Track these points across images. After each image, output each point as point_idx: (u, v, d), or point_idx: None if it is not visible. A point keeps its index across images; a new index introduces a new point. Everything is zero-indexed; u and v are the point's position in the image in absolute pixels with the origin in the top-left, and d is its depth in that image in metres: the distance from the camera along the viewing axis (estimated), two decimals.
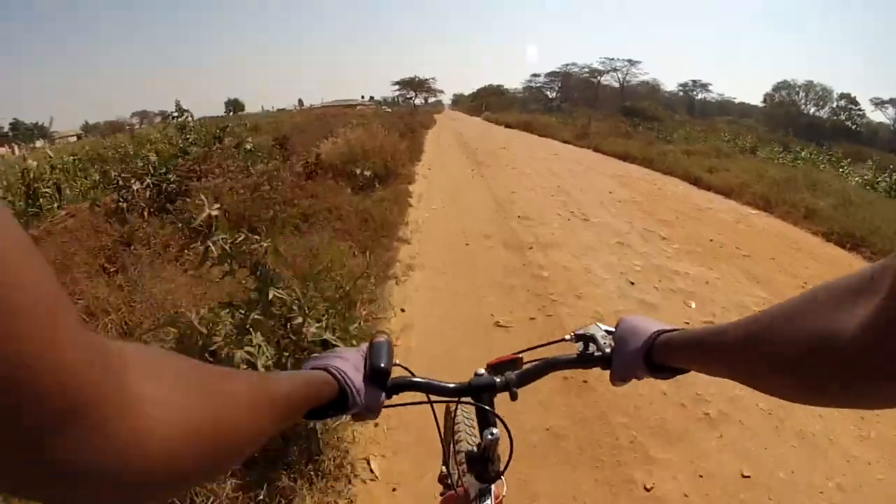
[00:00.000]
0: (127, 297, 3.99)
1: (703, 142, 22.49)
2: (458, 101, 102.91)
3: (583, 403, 3.14)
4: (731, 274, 5.33)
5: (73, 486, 0.29)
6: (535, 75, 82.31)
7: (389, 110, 49.51)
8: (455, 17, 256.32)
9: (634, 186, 10.74)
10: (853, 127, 70.89)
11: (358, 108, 66.43)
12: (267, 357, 2.22)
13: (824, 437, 2.87)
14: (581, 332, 0.98)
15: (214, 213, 2.23)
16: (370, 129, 12.85)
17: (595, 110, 50.47)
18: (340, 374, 0.76)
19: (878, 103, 72.89)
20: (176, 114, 9.40)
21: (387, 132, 14.61)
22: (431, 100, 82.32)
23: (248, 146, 9.01)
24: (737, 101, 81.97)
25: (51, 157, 10.02)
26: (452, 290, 4.90)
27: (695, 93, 79.35)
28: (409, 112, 41.72)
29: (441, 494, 1.26)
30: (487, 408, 0.95)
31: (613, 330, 0.92)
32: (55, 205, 7.87)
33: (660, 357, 0.79)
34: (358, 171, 8.79)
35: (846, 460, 2.71)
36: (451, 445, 1.29)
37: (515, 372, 0.98)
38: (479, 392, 0.96)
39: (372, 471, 2.61)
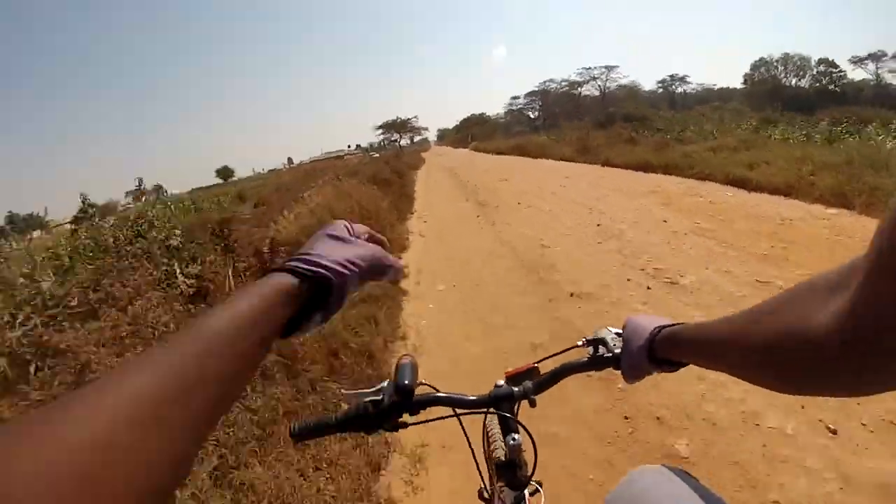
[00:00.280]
0: None
1: (709, 134, 20.02)
2: (444, 136, 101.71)
3: None
4: None
5: None
6: (514, 98, 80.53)
7: (377, 155, 47.85)
8: (429, 53, 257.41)
9: (682, 206, 8.23)
10: (836, 90, 68.45)
11: (345, 157, 64.76)
12: None
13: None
14: (592, 336, 1.00)
15: None
16: (341, 188, 10.14)
17: (579, 121, 48.31)
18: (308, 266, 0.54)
19: (857, 61, 70.47)
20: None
21: (365, 184, 12.10)
22: (417, 138, 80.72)
23: (177, 241, 6.29)
24: (716, 87, 79.66)
25: None
26: None
27: (674, 87, 77.41)
28: (395, 154, 39.51)
29: None
30: (509, 415, 0.97)
31: (622, 331, 0.93)
32: None
33: (662, 352, 0.80)
34: None
35: None
36: (486, 456, 1.28)
37: (532, 381, 1.00)
38: (500, 402, 0.98)
39: None
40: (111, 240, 6.86)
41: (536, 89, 74.96)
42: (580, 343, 1.02)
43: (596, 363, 0.96)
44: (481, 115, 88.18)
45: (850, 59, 70.76)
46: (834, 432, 2.52)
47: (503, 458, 1.02)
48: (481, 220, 9.43)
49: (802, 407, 2.72)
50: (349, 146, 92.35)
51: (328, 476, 2.62)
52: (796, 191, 8.00)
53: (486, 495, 1.23)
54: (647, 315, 0.88)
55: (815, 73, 69.24)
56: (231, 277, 5.68)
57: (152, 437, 0.32)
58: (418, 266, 6.63)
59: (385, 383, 0.93)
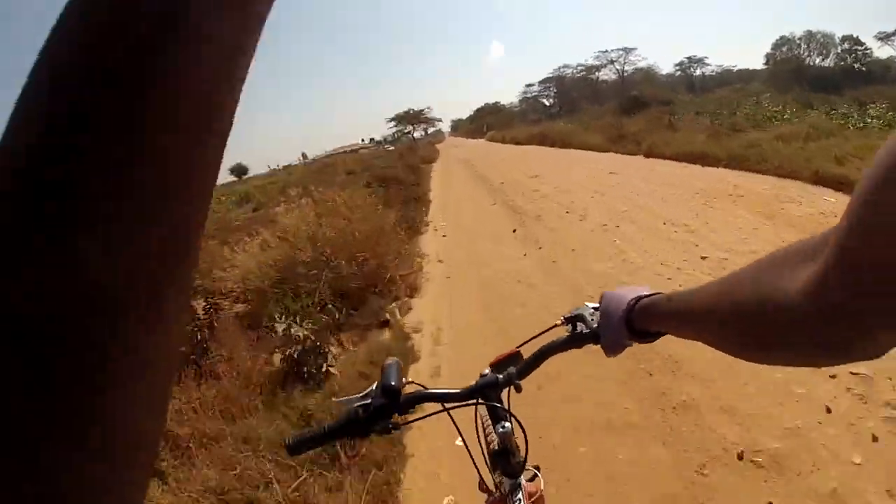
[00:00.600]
0: None
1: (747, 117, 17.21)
2: (458, 127, 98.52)
3: None
4: None
5: None
6: (529, 85, 76.83)
7: (392, 148, 45.46)
8: (441, 42, 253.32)
9: (790, 219, 5.72)
10: (862, 69, 64.28)
11: (360, 151, 62.59)
12: None
13: None
14: (570, 314, 0.97)
15: None
16: (325, 198, 7.49)
17: (598, 106, 45.35)
18: None
19: (884, 37, 66.11)
20: None
21: (366, 190, 9.54)
22: (431, 130, 77.82)
23: None
24: (736, 68, 75.62)
25: None
26: None
27: (692, 70, 73.55)
28: (409, 147, 36.99)
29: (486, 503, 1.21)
30: (497, 405, 0.98)
31: (598, 305, 0.90)
32: None
33: (640, 323, 0.77)
34: (281, 328, 3.60)
35: None
36: (482, 447, 1.20)
37: (516, 367, 1.00)
38: (486, 391, 0.98)
39: None
40: None
41: (551, 75, 71.53)
42: (559, 322, 1.00)
43: (575, 340, 0.95)
44: (495, 104, 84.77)
45: (875, 36, 66.65)
46: None
47: (496, 447, 1.02)
48: (522, 239, 6.82)
49: None
50: (363, 140, 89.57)
51: None
52: None
53: (486, 487, 1.15)
54: (625, 287, 0.84)
55: (839, 51, 65.18)
56: None
57: None
58: (434, 337, 4.07)
59: (373, 387, 0.93)
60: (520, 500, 0.98)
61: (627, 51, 61.98)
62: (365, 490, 2.50)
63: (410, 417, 0.98)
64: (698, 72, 72.57)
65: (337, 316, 4.43)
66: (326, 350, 3.54)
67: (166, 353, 0.22)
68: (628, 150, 16.00)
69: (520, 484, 1.00)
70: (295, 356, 3.28)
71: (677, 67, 72.03)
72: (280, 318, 3.68)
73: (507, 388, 0.99)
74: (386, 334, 4.39)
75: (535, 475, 1.04)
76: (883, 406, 2.44)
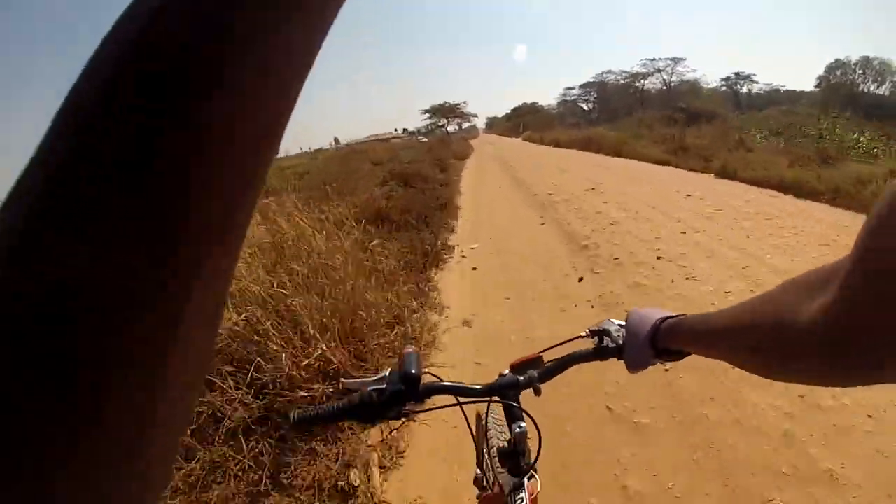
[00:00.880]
0: None
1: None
2: (493, 124, 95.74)
3: None
4: None
5: None
6: (568, 88, 74.22)
7: (425, 139, 43.20)
8: (483, 38, 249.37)
9: None
10: None
11: (392, 140, 60.42)
12: None
13: None
14: (596, 328, 0.98)
15: None
16: (298, 222, 4.51)
17: (641, 115, 42.36)
18: None
19: None
20: None
21: (385, 199, 7.09)
22: (465, 125, 75.17)
23: None
24: (784, 88, 71.32)
25: None
26: None
27: (738, 86, 69.56)
28: (441, 140, 34.44)
29: (477, 497, 1.23)
30: (513, 404, 0.97)
31: (624, 323, 0.91)
32: None
33: (664, 342, 0.79)
34: None
35: None
36: (484, 447, 1.27)
37: (537, 370, 0.99)
38: (505, 391, 0.98)
39: None
40: None
41: (593, 80, 68.43)
42: (584, 334, 1.00)
43: (600, 353, 0.95)
44: (533, 104, 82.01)
45: None
46: None
47: (506, 446, 1.02)
48: (599, 301, 4.22)
49: None
50: (396, 129, 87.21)
51: None
52: None
53: (484, 483, 1.18)
54: (650, 308, 0.86)
55: (895, 79, 60.79)
56: None
57: None
58: None
59: (387, 372, 0.92)
60: (522, 498, 0.97)
61: (676, 61, 58.58)
62: None
63: (422, 407, 0.92)
64: (744, 89, 68.83)
65: None
66: None
67: (192, 364, 0.21)
68: (691, 166, 13.37)
69: (523, 483, 0.99)
70: None
71: (723, 82, 68.31)
72: None
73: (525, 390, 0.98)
74: None
75: (533, 476, 1.02)
76: None
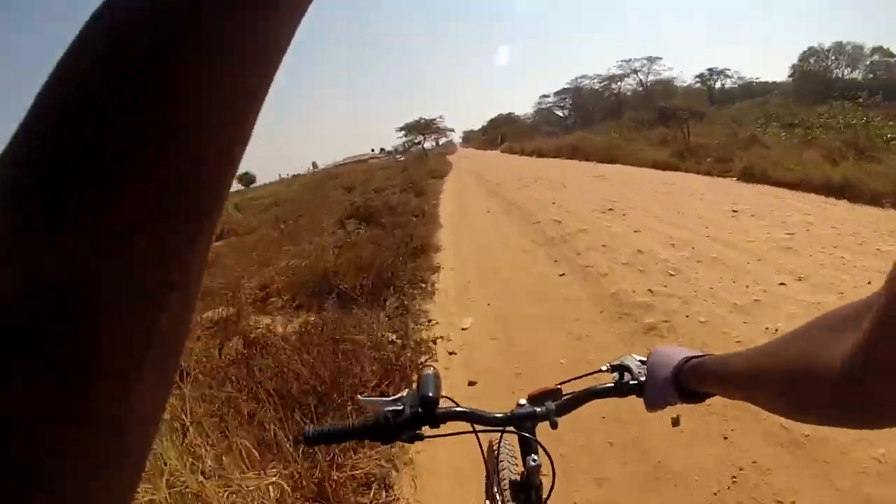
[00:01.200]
0: None
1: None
2: (469, 138, 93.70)
3: None
4: None
5: None
6: (544, 96, 71.70)
7: (402, 158, 41.24)
8: (456, 52, 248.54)
9: None
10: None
11: (369, 161, 58.32)
12: None
13: None
14: (616, 362, 0.94)
15: None
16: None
17: (618, 120, 40.63)
18: None
19: None
20: None
21: (337, 249, 4.89)
22: (442, 140, 73.01)
23: None
24: (757, 80, 70.25)
25: None
26: None
27: (712, 81, 68.31)
28: (417, 158, 32.33)
29: None
30: (529, 436, 0.94)
31: (646, 359, 0.88)
32: None
33: (688, 382, 0.75)
34: None
35: None
36: (496, 477, 1.24)
37: (555, 402, 0.95)
38: (522, 421, 0.94)
39: None
40: None
41: (568, 86, 66.64)
42: (604, 368, 0.97)
43: (620, 390, 0.91)
44: (509, 114, 79.90)
45: None
46: None
47: (519, 479, 1.01)
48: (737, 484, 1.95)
49: None
50: (373, 150, 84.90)
51: None
52: None
53: None
54: (673, 345, 0.85)
55: (868, 63, 59.77)
56: None
57: None
58: None
59: (404, 393, 0.91)
60: None
61: (652, 60, 56.81)
62: None
63: (437, 432, 0.89)
64: (718, 84, 67.64)
65: None
66: None
67: (163, 363, 0.20)
68: (706, 170, 11.32)
69: None
70: None
71: (697, 79, 67.07)
72: None
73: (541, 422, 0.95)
74: None
75: None
76: None
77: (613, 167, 14.85)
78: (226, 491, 1.97)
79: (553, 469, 0.92)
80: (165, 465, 1.99)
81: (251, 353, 3.42)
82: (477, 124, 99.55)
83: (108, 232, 0.17)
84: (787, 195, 7.52)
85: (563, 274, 5.09)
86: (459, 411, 0.93)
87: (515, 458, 1.22)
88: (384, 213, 8.23)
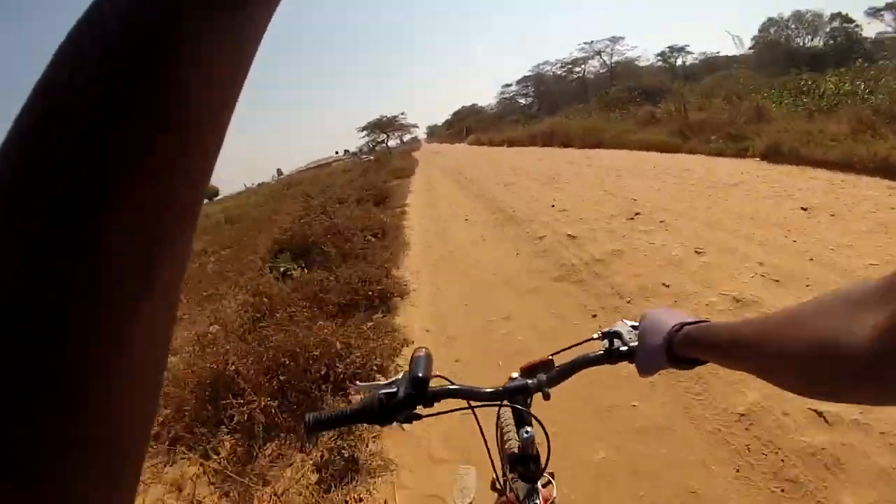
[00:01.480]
0: None
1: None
2: (434, 133, 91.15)
3: None
4: None
5: None
6: (506, 86, 69.65)
7: (370, 157, 39.09)
8: (412, 48, 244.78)
9: None
10: (854, 47, 58.28)
11: (333, 164, 55.84)
12: None
13: None
14: (608, 329, 0.94)
15: None
16: None
17: (584, 104, 39.05)
18: None
19: (873, 13, 60.04)
20: None
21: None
22: (407, 137, 70.46)
23: None
24: (720, 54, 69.25)
25: None
26: None
27: (673, 59, 67.11)
28: (378, 159, 29.98)
29: (495, 503, 1.16)
30: (522, 408, 0.92)
31: (638, 324, 0.85)
32: None
33: (681, 349, 0.72)
34: None
35: None
36: (501, 451, 1.19)
37: (546, 374, 0.94)
38: (514, 395, 0.93)
39: None
40: None
41: (530, 74, 64.62)
42: (595, 336, 0.96)
43: (610, 356, 0.90)
44: (472, 105, 77.56)
45: (865, 12, 61.06)
46: None
47: (516, 451, 1.00)
48: None
49: None
50: (337, 152, 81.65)
51: None
52: None
53: (498, 486, 1.12)
54: (665, 309, 0.81)
55: (828, 30, 58.97)
56: None
57: None
58: None
59: (399, 376, 0.90)
60: None
61: (615, 40, 55.08)
62: None
63: (433, 410, 0.87)
64: (679, 61, 66.40)
65: None
66: None
67: (153, 351, 0.21)
68: (716, 150, 9.38)
69: (537, 489, 0.96)
70: None
71: (658, 57, 65.77)
72: None
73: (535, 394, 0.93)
74: None
75: (549, 482, 1.01)
76: None
77: (605, 153, 12.76)
78: None
79: (548, 439, 0.89)
80: None
81: None
82: (440, 119, 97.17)
83: (80, 243, 0.17)
84: (850, 181, 5.54)
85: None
86: (451, 389, 0.91)
87: (513, 431, 1.11)
88: (331, 240, 5.97)
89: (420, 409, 0.87)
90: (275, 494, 2.32)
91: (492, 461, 1.03)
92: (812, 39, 59.16)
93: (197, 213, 0.22)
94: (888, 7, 56.94)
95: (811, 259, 3.64)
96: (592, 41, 54.82)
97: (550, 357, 0.98)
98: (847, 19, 58.19)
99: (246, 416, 2.66)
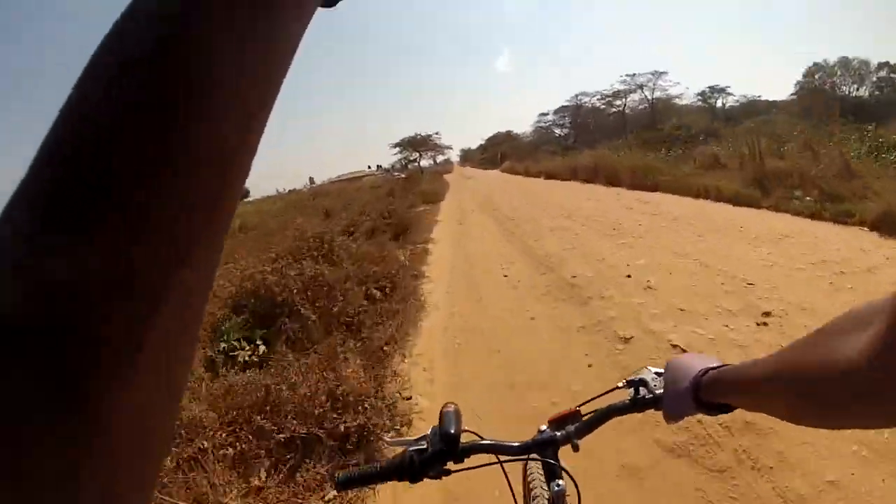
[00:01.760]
0: None
1: None
2: (467, 156, 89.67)
3: None
4: None
5: None
6: (543, 114, 67.85)
7: (402, 175, 37.65)
8: (455, 68, 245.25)
9: None
10: None
11: (364, 178, 54.62)
12: None
13: None
14: (632, 377, 0.91)
15: None
16: None
17: (624, 139, 37.05)
18: None
19: None
20: None
21: None
22: (440, 158, 69.03)
23: None
24: (760, 98, 66.36)
25: None
26: None
27: (714, 99, 64.58)
28: (408, 179, 28.26)
29: None
30: (552, 461, 0.90)
31: (663, 371, 0.81)
32: None
33: (707, 394, 0.68)
34: None
35: None
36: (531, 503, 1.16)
37: (574, 425, 0.91)
38: (544, 448, 0.91)
39: None
40: None
41: (567, 104, 62.77)
42: (620, 385, 0.93)
43: (637, 405, 0.87)
44: (508, 132, 75.88)
45: None
46: None
47: None
48: None
49: None
50: (369, 166, 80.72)
51: None
52: None
53: None
54: (691, 355, 0.77)
55: (875, 79, 55.80)
56: None
57: None
58: None
59: (429, 431, 0.87)
60: None
61: (657, 75, 52.85)
62: None
63: (462, 466, 0.85)
64: (719, 102, 63.92)
65: None
66: None
67: (176, 358, 0.20)
68: (808, 211, 7.39)
69: None
70: None
71: (698, 97, 63.37)
72: None
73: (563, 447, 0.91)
74: None
75: None
76: None
77: (663, 198, 10.79)
78: None
79: (578, 492, 0.87)
80: None
81: None
82: (474, 142, 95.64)
83: (114, 236, 0.17)
84: None
85: None
86: (482, 444, 0.89)
87: (541, 484, 1.13)
88: (313, 294, 4.18)
89: (450, 465, 0.84)
90: None
91: None
92: (858, 88, 56.22)
93: (231, 209, 0.21)
94: None
95: None
96: (635, 74, 52.65)
97: (577, 409, 0.94)
98: (894, 69, 55.20)
99: None
